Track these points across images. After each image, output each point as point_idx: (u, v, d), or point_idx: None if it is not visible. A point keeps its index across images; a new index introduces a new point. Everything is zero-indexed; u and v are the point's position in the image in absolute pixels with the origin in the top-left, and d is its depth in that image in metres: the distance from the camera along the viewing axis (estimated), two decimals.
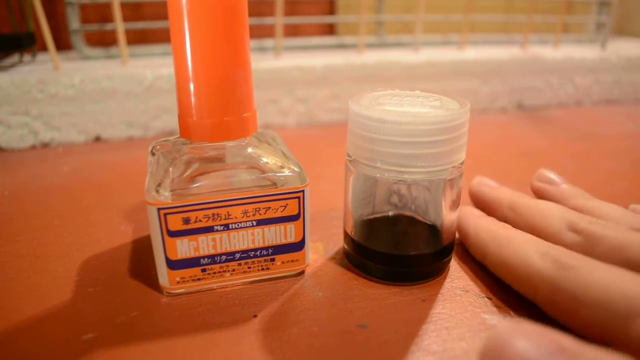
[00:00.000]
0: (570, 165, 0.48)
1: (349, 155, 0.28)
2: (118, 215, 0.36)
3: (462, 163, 0.27)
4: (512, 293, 0.28)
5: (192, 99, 0.25)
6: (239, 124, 0.26)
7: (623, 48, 0.73)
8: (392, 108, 0.26)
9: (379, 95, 0.28)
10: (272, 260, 0.28)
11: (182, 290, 0.27)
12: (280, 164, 0.27)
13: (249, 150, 0.27)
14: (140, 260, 0.31)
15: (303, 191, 0.27)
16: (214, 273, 0.27)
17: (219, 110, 0.26)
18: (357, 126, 0.26)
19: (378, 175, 0.26)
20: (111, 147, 0.51)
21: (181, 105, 0.26)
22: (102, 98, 0.51)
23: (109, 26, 0.56)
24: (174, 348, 0.24)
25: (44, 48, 0.55)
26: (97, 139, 0.53)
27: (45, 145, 0.51)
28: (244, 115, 0.26)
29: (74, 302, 0.27)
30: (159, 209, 0.25)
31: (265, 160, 0.27)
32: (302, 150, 0.50)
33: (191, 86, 0.25)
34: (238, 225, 0.27)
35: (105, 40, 0.61)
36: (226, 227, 0.26)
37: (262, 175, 0.27)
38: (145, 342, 0.24)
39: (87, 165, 0.46)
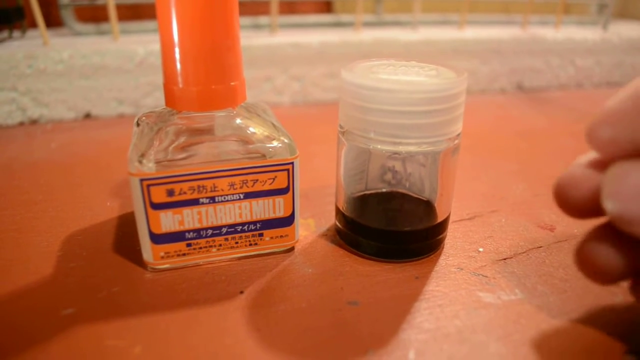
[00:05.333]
0: (570, 145, 0.47)
1: (341, 127, 0.27)
2: (105, 191, 0.35)
3: (458, 135, 0.26)
4: (509, 271, 0.27)
5: (178, 65, 0.24)
6: (227, 92, 0.25)
7: (625, 30, 0.72)
8: (386, 76, 0.25)
9: (373, 65, 0.27)
10: (261, 235, 0.27)
11: (166, 265, 0.26)
12: (269, 135, 0.26)
13: (238, 121, 0.26)
14: (125, 235, 0.30)
15: (292, 163, 0.26)
16: (200, 248, 0.26)
17: (206, 77, 0.24)
18: (349, 95, 0.25)
19: (371, 146, 0.25)
20: (101, 124, 0.50)
21: (166, 73, 0.25)
22: (92, 74, 0.50)
23: (100, 1, 0.55)
24: (155, 324, 0.23)
25: (35, 25, 0.53)
26: (87, 116, 0.51)
27: (34, 121, 0.50)
28: (232, 83, 0.25)
29: (55, 277, 0.26)
30: (141, 180, 0.24)
31: (253, 130, 0.26)
32: (297, 128, 0.49)
33: (177, 52, 0.24)
34: (225, 198, 0.25)
35: (97, 17, 0.59)
36: (212, 199, 0.25)
37: (250, 146, 0.25)
38: (126, 317, 0.23)
39: (76, 141, 0.45)
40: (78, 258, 0.28)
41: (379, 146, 0.25)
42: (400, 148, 0.25)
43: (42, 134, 0.47)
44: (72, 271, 0.27)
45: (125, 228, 0.31)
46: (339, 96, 0.27)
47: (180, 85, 0.25)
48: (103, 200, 0.34)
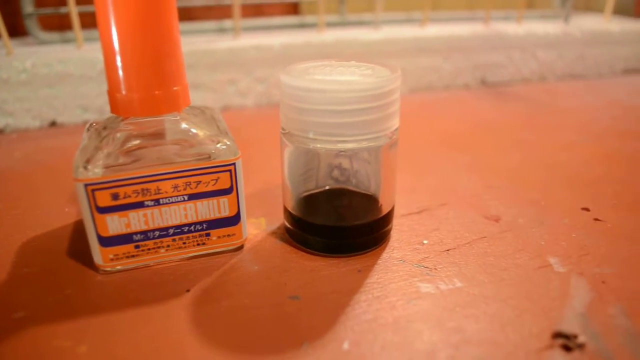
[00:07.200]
0: (529, 136, 0.48)
1: (282, 129, 0.28)
2: (64, 197, 0.36)
3: (395, 130, 0.27)
4: (450, 261, 0.28)
5: (120, 73, 0.25)
6: (169, 97, 0.26)
7: (586, 23, 0.73)
8: (321, 77, 0.26)
9: (311, 66, 0.28)
10: (208, 235, 0.28)
11: (117, 267, 0.27)
12: (212, 138, 0.27)
13: (183, 125, 0.27)
14: (79, 239, 0.30)
15: (234, 164, 0.27)
16: (148, 249, 0.27)
17: (147, 84, 0.25)
18: (287, 97, 0.26)
19: (311, 146, 0.26)
20: (67, 131, 0.51)
21: (110, 80, 0.26)
22: (56, 82, 0.50)
23: (63, 9, 0.55)
24: (103, 324, 0.24)
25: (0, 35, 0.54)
26: (53, 124, 0.52)
27: None
28: (174, 89, 0.26)
29: (7, 283, 0.27)
30: (86, 185, 0.25)
31: (197, 133, 0.27)
32: (260, 129, 0.50)
33: (118, 60, 0.25)
34: (169, 200, 0.26)
35: (63, 25, 0.60)
36: (157, 202, 0.26)
37: (192, 149, 0.26)
38: (75, 318, 0.24)
39: (39, 150, 0.46)
40: (32, 264, 0.28)
41: (318, 145, 0.26)
42: (339, 146, 0.26)
43: (6, 143, 0.47)
44: (26, 276, 0.27)
45: (80, 232, 0.31)
46: (280, 99, 0.27)
47: (124, 92, 0.25)
48: (62, 206, 0.35)
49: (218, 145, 0.26)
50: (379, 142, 0.26)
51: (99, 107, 0.52)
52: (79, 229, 0.32)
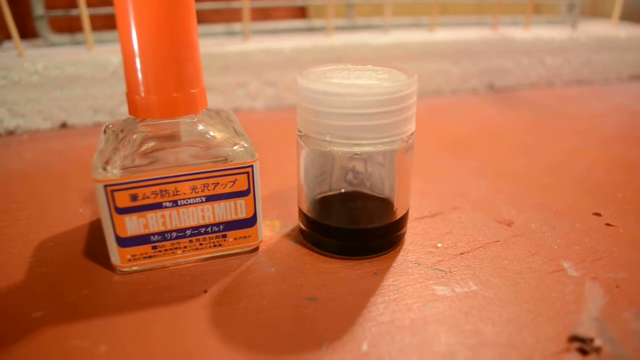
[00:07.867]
0: (536, 141, 0.48)
1: (299, 131, 0.28)
2: (77, 198, 0.36)
3: (412, 134, 0.27)
4: (465, 264, 0.28)
5: (139, 75, 0.25)
6: (187, 100, 0.26)
7: (593, 28, 0.73)
8: (338, 81, 0.26)
9: (328, 70, 0.28)
10: (224, 236, 0.28)
11: (134, 268, 0.27)
12: (230, 140, 0.27)
13: (200, 127, 0.27)
14: (95, 240, 0.31)
15: (252, 166, 0.27)
16: (166, 250, 0.27)
17: (165, 86, 0.25)
18: (304, 100, 0.26)
19: (328, 148, 0.26)
20: (77, 133, 0.51)
21: (129, 82, 0.26)
22: (67, 84, 0.51)
23: (74, 12, 0.55)
24: (121, 324, 0.24)
25: (11, 36, 0.54)
26: (63, 126, 0.52)
27: (10, 132, 0.50)
28: (192, 91, 0.26)
29: (26, 283, 0.27)
30: (105, 186, 0.25)
31: (215, 136, 0.27)
32: (271, 132, 0.50)
33: (137, 62, 0.25)
34: (187, 201, 0.26)
35: (73, 27, 0.60)
36: (175, 203, 0.26)
37: (210, 151, 0.26)
38: (93, 319, 0.24)
39: (50, 151, 0.46)
40: (49, 264, 0.28)
41: (335, 148, 0.26)
42: (356, 149, 0.26)
43: (17, 144, 0.48)
44: (43, 276, 0.27)
45: (95, 233, 0.31)
46: (297, 101, 0.28)
47: (142, 94, 0.26)
48: (75, 207, 0.35)
49: (235, 148, 0.27)
50: (394, 146, 0.27)
51: (109, 109, 0.53)
52: (94, 230, 0.32)
